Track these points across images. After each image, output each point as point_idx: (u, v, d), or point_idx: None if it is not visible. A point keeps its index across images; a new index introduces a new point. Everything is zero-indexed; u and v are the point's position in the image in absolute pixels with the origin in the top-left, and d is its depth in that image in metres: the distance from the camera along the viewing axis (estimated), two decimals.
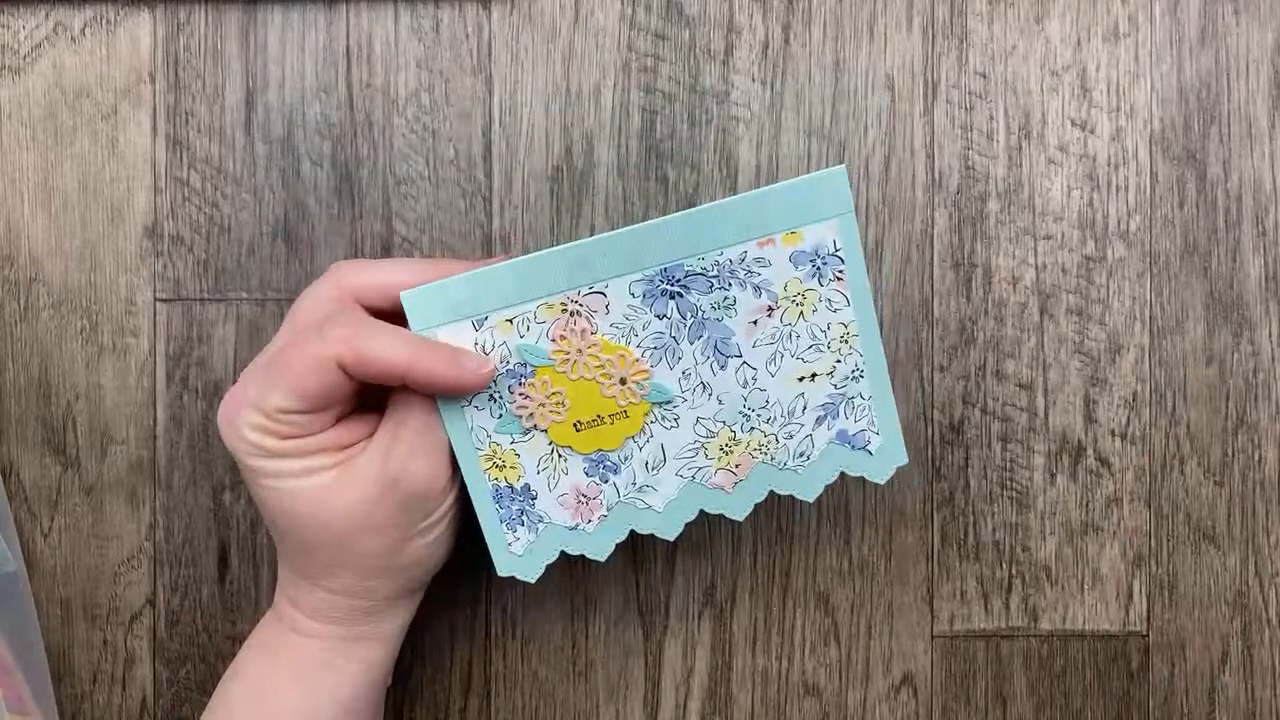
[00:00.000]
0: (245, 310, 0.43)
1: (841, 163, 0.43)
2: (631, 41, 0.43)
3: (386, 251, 0.43)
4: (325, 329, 0.35)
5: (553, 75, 0.43)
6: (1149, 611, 0.44)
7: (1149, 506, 0.44)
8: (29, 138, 0.43)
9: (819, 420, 0.38)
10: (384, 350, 0.35)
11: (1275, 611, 0.44)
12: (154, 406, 0.43)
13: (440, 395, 0.37)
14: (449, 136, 0.43)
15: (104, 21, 0.43)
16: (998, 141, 0.43)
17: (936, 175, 0.43)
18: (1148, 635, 0.44)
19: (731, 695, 0.44)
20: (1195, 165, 0.44)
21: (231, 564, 0.44)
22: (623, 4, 0.43)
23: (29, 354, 0.43)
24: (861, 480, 0.44)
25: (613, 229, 0.43)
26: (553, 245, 0.43)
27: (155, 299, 0.43)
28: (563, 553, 0.39)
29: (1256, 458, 0.44)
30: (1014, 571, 0.44)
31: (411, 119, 0.43)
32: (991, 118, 0.43)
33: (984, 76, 0.43)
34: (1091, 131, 0.43)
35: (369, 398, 0.38)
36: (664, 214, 0.43)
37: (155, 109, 0.43)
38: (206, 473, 0.43)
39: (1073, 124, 0.44)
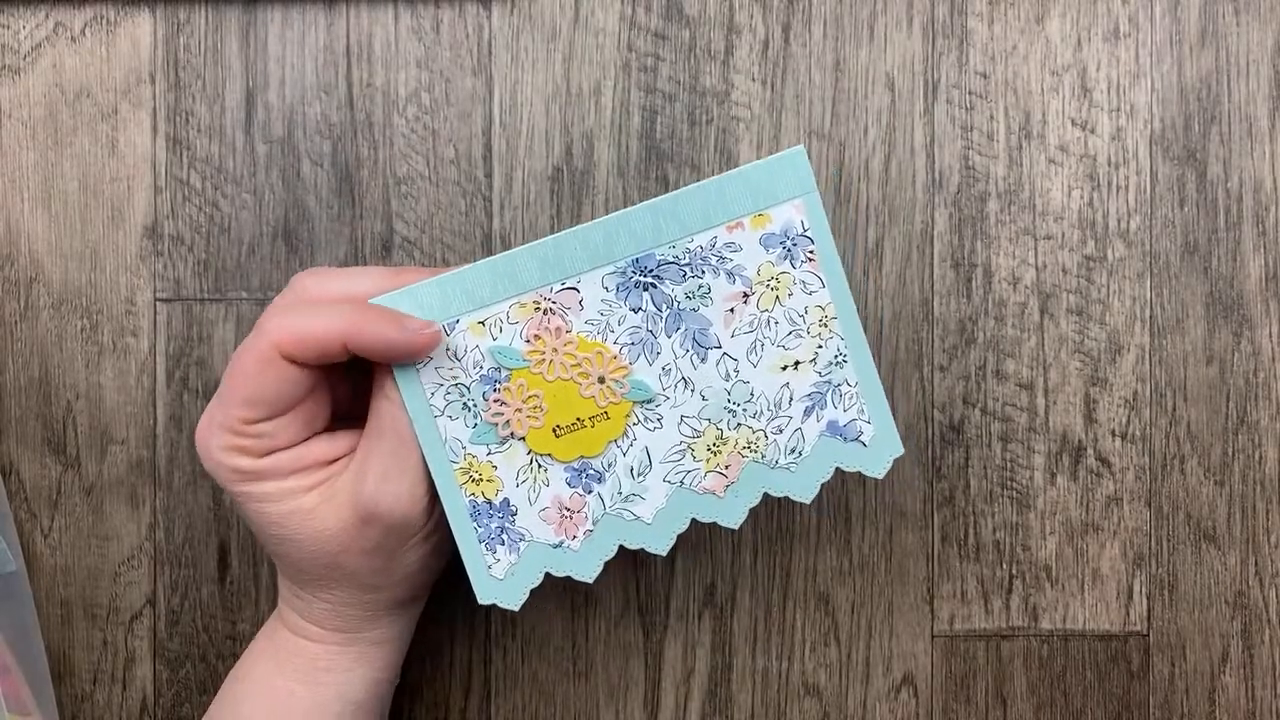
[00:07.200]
0: (245, 310, 0.43)
1: (841, 162, 0.43)
2: (631, 41, 0.43)
3: (387, 251, 0.43)
4: (259, 322, 0.34)
5: (553, 75, 0.43)
6: (1149, 611, 0.44)
7: (1149, 506, 0.44)
8: (29, 138, 0.43)
9: (807, 411, 0.37)
10: (320, 324, 0.34)
11: (1275, 611, 0.44)
12: (154, 406, 0.43)
13: (390, 363, 0.35)
14: (449, 136, 0.43)
15: (104, 21, 0.43)
16: (998, 141, 0.43)
17: (936, 175, 0.43)
18: (1148, 635, 0.44)
19: (731, 695, 0.44)
20: (1195, 165, 0.44)
21: (231, 564, 0.44)
22: (623, 4, 0.43)
23: (29, 354, 0.43)
24: (861, 479, 0.44)
25: None
26: None
27: (155, 299, 0.43)
28: (547, 574, 0.37)
29: (1257, 457, 0.44)
30: (1014, 571, 0.44)
31: (411, 119, 0.43)
32: (992, 118, 0.43)
33: (984, 76, 0.43)
34: (1092, 131, 0.44)
35: (359, 406, 0.37)
36: None
37: (155, 109, 0.43)
38: (206, 472, 0.43)
39: (1073, 124, 0.44)
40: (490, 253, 0.43)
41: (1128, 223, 0.44)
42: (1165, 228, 0.44)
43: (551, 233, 0.43)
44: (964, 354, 0.44)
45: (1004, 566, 0.44)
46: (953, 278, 0.44)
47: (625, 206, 0.43)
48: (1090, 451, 0.44)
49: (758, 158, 0.43)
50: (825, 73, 0.43)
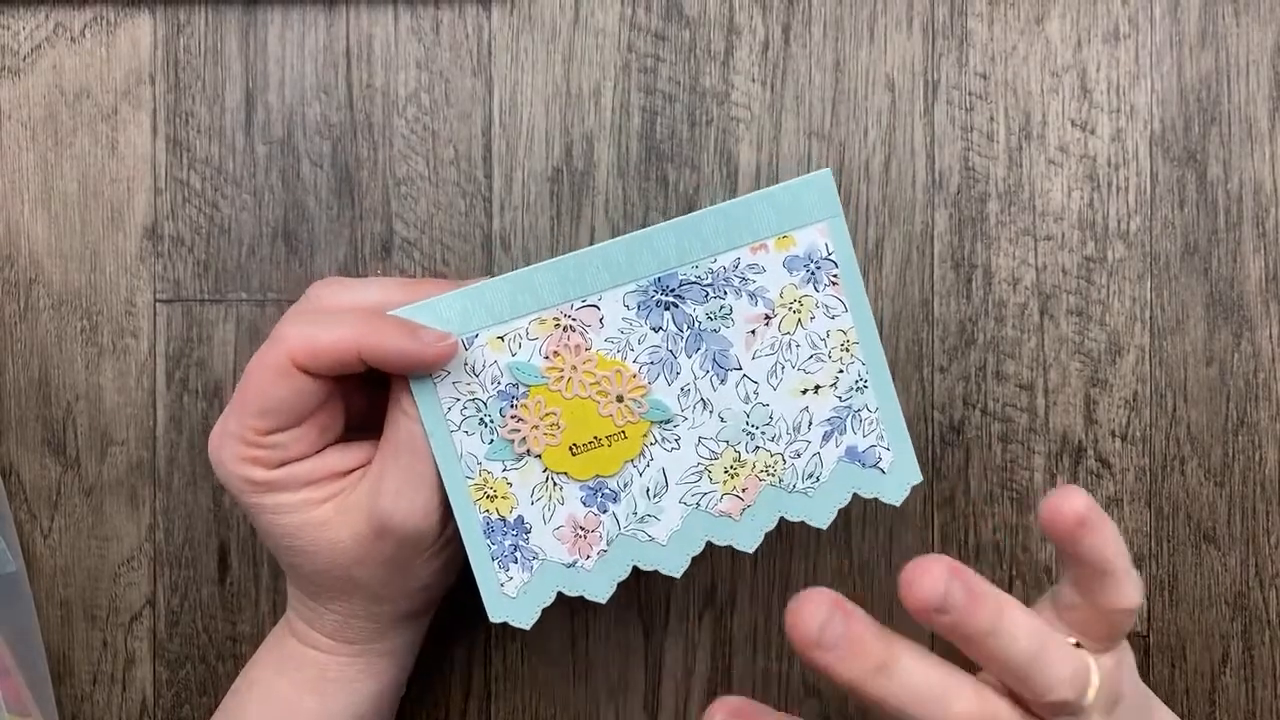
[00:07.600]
0: (245, 311, 0.43)
1: (841, 163, 0.43)
2: (631, 42, 0.43)
3: (387, 252, 0.43)
4: (274, 332, 0.34)
5: (553, 76, 0.43)
6: (1149, 612, 0.44)
7: (1149, 507, 0.44)
8: (29, 138, 0.43)
9: (826, 436, 0.37)
10: (335, 335, 0.34)
11: (1275, 612, 0.44)
12: (154, 407, 0.43)
13: (405, 374, 0.35)
14: (449, 136, 0.43)
15: (104, 22, 0.43)
16: (998, 142, 0.43)
17: (936, 175, 0.44)
18: (1148, 636, 0.44)
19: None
20: (1195, 166, 0.44)
21: (231, 564, 0.44)
22: (623, 4, 0.43)
23: (29, 354, 0.43)
24: None
25: (613, 230, 0.43)
26: (552, 246, 0.43)
27: (155, 300, 0.43)
28: (560, 594, 0.37)
29: (1257, 458, 0.44)
30: (1014, 572, 0.44)
31: (411, 119, 0.43)
32: (992, 118, 0.43)
33: (984, 77, 0.43)
34: (1092, 132, 0.44)
35: (375, 418, 0.37)
36: (664, 215, 0.43)
37: (155, 109, 0.43)
38: (206, 473, 0.43)
39: (1073, 124, 0.44)
40: (489, 254, 0.43)
41: (1128, 224, 0.44)
42: (1165, 229, 0.44)
43: (551, 234, 0.43)
44: (964, 355, 0.44)
45: (1004, 568, 0.44)
46: (953, 278, 0.44)
47: (625, 207, 0.43)
48: (1090, 452, 0.44)
49: (758, 159, 0.43)
50: (825, 73, 0.43)
